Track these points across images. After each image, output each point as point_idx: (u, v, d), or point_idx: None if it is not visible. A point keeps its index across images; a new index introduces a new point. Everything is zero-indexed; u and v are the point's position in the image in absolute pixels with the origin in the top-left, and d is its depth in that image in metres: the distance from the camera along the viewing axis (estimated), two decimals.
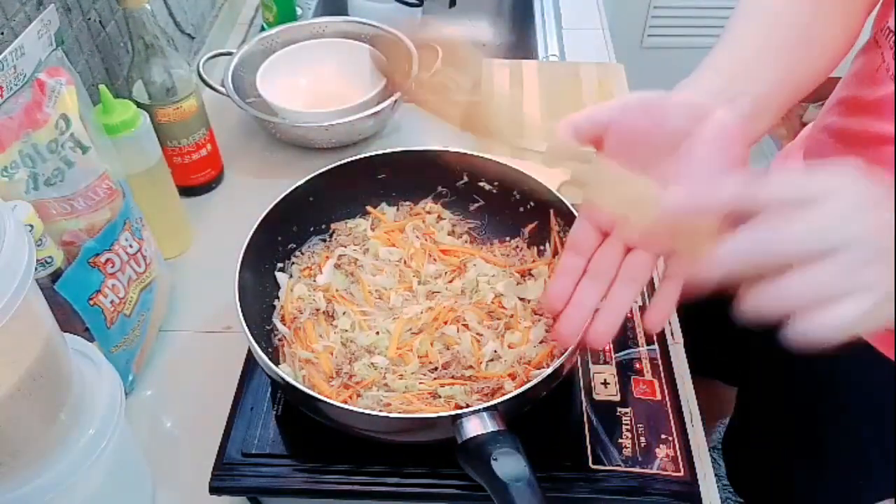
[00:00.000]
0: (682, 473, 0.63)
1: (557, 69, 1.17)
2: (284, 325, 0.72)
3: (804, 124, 1.51)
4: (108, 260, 0.68)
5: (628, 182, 0.50)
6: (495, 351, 0.68)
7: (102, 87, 0.76)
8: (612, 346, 0.73)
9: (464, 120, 0.65)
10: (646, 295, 0.79)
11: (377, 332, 0.70)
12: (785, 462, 0.89)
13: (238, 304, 0.64)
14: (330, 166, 0.77)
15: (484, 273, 0.76)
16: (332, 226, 0.81)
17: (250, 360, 0.71)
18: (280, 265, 0.77)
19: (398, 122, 1.10)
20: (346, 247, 0.78)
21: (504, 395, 0.59)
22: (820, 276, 0.38)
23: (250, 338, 0.62)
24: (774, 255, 0.39)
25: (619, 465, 0.63)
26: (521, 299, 0.74)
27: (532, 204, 0.79)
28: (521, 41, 1.51)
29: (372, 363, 0.67)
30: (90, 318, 0.66)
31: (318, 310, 0.73)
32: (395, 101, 0.99)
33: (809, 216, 0.39)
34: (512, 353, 0.68)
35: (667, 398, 0.69)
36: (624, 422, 0.67)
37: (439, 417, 0.57)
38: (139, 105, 0.80)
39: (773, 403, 0.88)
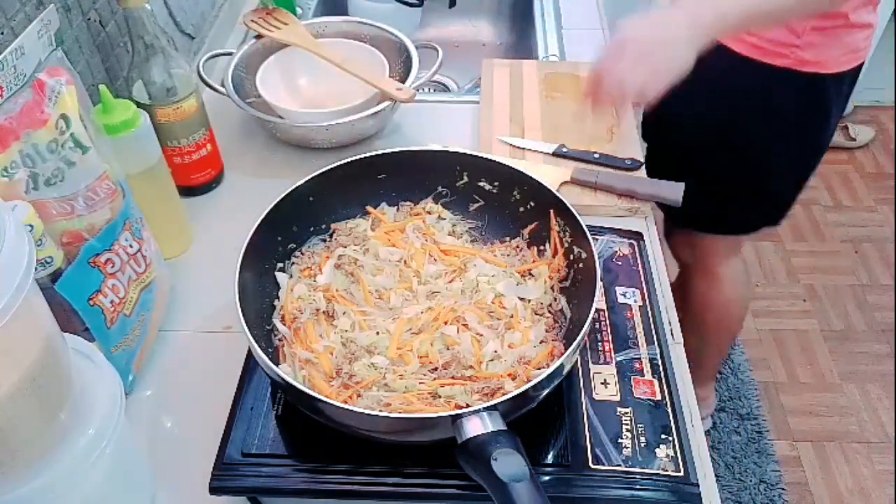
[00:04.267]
0: (682, 473, 0.63)
1: (557, 69, 1.17)
2: (284, 325, 0.72)
3: None
4: (108, 260, 0.68)
5: None
6: (495, 351, 0.68)
7: (102, 87, 0.76)
8: (612, 346, 0.73)
9: None
10: (645, 294, 0.79)
11: (377, 333, 0.70)
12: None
13: (238, 304, 0.64)
14: (330, 166, 0.77)
15: (484, 273, 0.76)
16: (332, 226, 0.81)
17: (250, 360, 0.71)
18: (280, 265, 0.77)
19: (398, 122, 1.10)
20: (346, 247, 0.78)
21: (504, 395, 0.59)
22: (620, 75, 0.83)
23: (250, 338, 0.62)
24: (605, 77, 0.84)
25: (619, 465, 0.63)
26: (522, 299, 0.74)
27: (532, 204, 0.79)
28: (521, 41, 1.51)
29: (372, 363, 0.67)
30: (90, 318, 0.66)
31: (318, 310, 0.73)
32: (395, 101, 0.99)
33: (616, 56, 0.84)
34: (512, 353, 0.68)
35: (667, 398, 0.69)
36: (624, 422, 0.67)
37: (439, 417, 0.57)
38: (139, 105, 0.80)
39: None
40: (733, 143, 1.18)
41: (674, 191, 0.92)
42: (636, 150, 1.01)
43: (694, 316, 1.50)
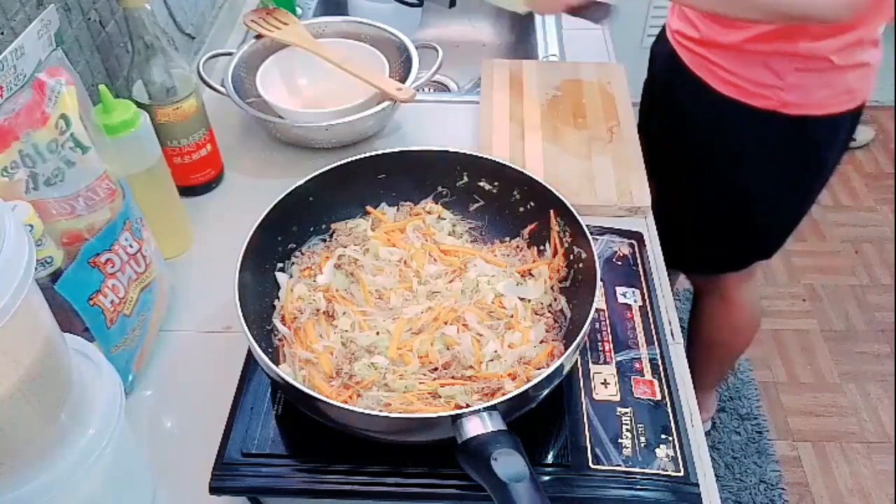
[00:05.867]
0: (682, 473, 0.63)
1: (557, 69, 1.17)
2: (284, 325, 0.72)
3: None
4: (108, 260, 0.68)
5: None
6: (495, 351, 0.68)
7: (102, 87, 0.76)
8: (612, 346, 0.73)
9: None
10: (645, 294, 0.79)
11: (377, 333, 0.70)
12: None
13: (238, 304, 0.64)
14: (330, 166, 0.77)
15: (484, 273, 0.76)
16: (332, 226, 0.81)
17: (250, 360, 0.71)
18: (280, 265, 0.77)
19: (398, 122, 1.10)
20: (346, 247, 0.78)
21: (504, 395, 0.59)
22: None
23: (250, 338, 0.62)
24: None
25: (619, 465, 0.63)
26: (522, 299, 0.74)
27: (532, 204, 0.79)
28: (521, 41, 1.51)
29: (372, 363, 0.67)
30: (90, 318, 0.66)
31: (318, 310, 0.73)
32: (395, 101, 0.99)
33: None
34: (512, 353, 0.68)
35: (667, 398, 0.69)
36: (624, 422, 0.67)
37: (439, 417, 0.57)
38: (139, 105, 0.80)
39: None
40: (725, 180, 1.18)
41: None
42: (636, 150, 1.01)
43: (700, 334, 1.50)
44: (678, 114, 1.19)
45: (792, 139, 1.09)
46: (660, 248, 0.91)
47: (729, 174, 1.17)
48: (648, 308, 0.78)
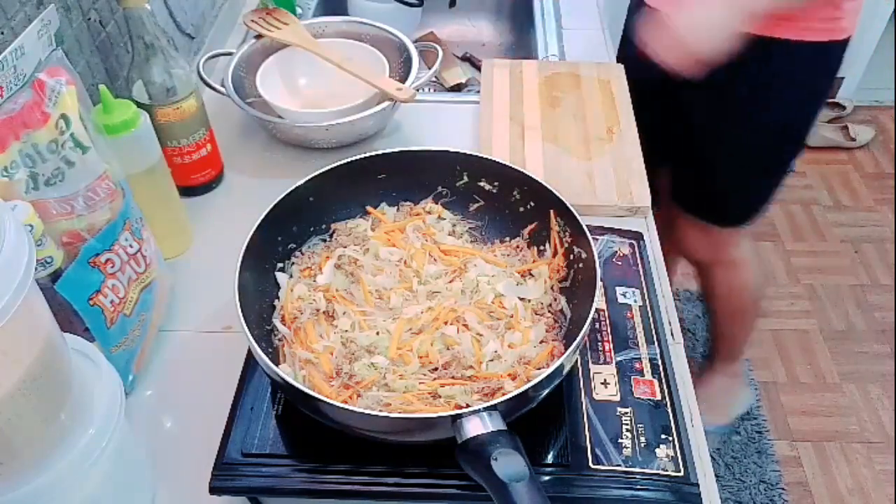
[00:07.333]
0: (682, 473, 0.63)
1: (557, 69, 1.17)
2: (284, 325, 0.72)
3: None
4: (108, 260, 0.68)
5: None
6: (496, 351, 0.68)
7: (102, 87, 0.76)
8: (612, 346, 0.73)
9: None
10: (645, 294, 0.79)
11: (377, 333, 0.70)
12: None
13: (238, 304, 0.64)
14: (330, 166, 0.77)
15: (484, 273, 0.76)
16: (332, 226, 0.81)
17: (250, 360, 0.71)
18: (280, 265, 0.77)
19: (398, 122, 1.10)
20: (346, 247, 0.78)
21: (504, 395, 0.59)
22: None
23: (250, 338, 0.62)
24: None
25: (619, 465, 0.63)
26: (522, 299, 0.74)
27: (532, 204, 0.79)
28: (521, 41, 1.51)
29: (372, 363, 0.67)
30: (90, 318, 0.66)
31: (318, 310, 0.73)
32: (395, 101, 0.99)
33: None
34: (512, 353, 0.68)
35: (667, 398, 0.69)
36: (624, 422, 0.67)
37: (439, 417, 0.57)
38: (139, 105, 0.80)
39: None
40: (757, 115, 1.19)
41: None
42: (636, 150, 1.01)
43: (730, 304, 1.54)
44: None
45: (815, 66, 1.14)
46: (660, 249, 0.91)
47: (762, 109, 1.18)
48: (648, 308, 0.78)
